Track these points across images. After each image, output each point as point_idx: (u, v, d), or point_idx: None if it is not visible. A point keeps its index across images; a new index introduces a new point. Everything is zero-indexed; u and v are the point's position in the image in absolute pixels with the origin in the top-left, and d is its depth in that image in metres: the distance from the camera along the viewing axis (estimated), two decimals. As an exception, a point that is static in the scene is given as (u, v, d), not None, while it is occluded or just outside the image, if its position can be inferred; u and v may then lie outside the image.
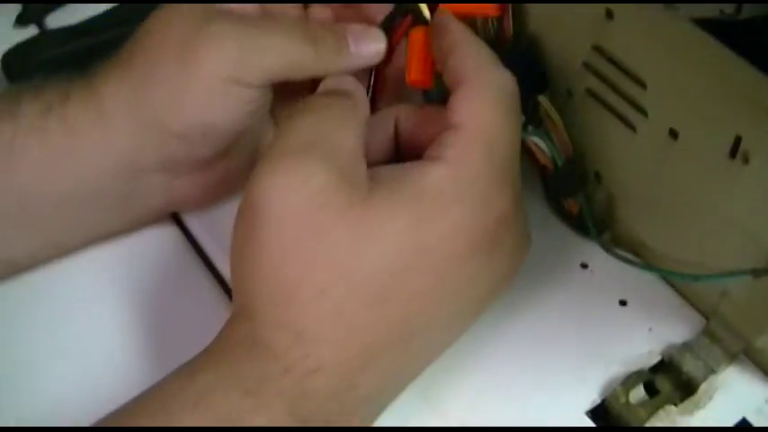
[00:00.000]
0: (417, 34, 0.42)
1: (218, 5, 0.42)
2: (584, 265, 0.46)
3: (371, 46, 0.42)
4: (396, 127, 0.40)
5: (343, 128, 0.36)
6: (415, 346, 0.35)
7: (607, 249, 0.44)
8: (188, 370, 0.33)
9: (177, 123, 0.41)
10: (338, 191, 0.33)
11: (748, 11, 0.29)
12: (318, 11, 0.45)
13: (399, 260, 0.33)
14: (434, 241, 0.34)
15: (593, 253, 0.46)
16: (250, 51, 0.40)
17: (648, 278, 0.45)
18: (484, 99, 0.36)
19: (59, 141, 0.41)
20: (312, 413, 0.33)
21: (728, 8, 0.29)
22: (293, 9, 0.45)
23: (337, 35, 0.41)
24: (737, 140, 0.35)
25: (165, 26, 0.42)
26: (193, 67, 0.40)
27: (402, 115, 0.40)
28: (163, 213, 0.47)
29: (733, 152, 0.35)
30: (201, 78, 0.40)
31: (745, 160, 0.35)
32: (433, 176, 0.34)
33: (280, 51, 0.40)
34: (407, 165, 0.36)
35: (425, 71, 0.42)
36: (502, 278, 0.37)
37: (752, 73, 0.32)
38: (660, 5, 0.32)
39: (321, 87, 0.41)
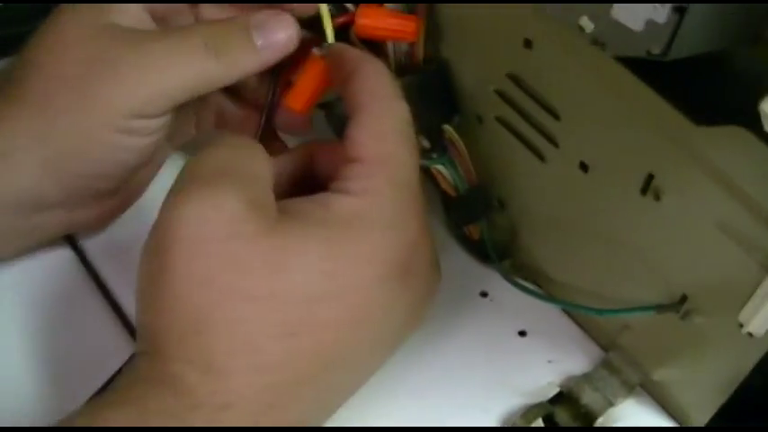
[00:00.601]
0: (315, 61, 0.41)
1: (110, 13, 0.40)
2: (484, 294, 0.46)
3: (280, 34, 0.40)
4: (313, 163, 0.39)
5: (254, 159, 0.34)
6: (330, 380, 0.33)
7: (507, 278, 0.44)
8: (91, 409, 0.31)
9: (80, 164, 0.39)
10: (248, 220, 0.32)
11: (676, 53, 0.29)
12: (210, 13, 0.43)
13: (309, 291, 0.32)
14: (344, 271, 0.33)
15: (494, 281, 0.46)
16: (150, 82, 0.38)
17: (548, 308, 0.45)
18: (380, 129, 0.35)
19: None
20: None
21: (656, 49, 0.29)
22: (184, 12, 0.43)
23: (239, 33, 0.39)
24: (650, 177, 0.35)
25: (60, 58, 0.39)
26: (93, 105, 0.38)
27: (318, 151, 0.39)
28: (58, 238, 0.45)
29: (644, 189, 0.35)
30: (102, 117, 0.38)
31: (657, 197, 0.35)
32: (342, 206, 0.33)
33: (180, 73, 0.38)
34: (315, 196, 0.35)
35: (304, 100, 0.41)
36: (417, 307, 0.36)
37: (669, 111, 0.32)
38: (581, 39, 0.32)
39: None
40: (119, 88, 0.38)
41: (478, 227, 0.46)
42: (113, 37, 0.39)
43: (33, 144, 0.38)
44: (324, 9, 0.40)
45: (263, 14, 0.40)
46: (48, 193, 0.40)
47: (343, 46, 0.39)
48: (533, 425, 0.40)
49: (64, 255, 0.46)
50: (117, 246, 0.45)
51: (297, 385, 0.32)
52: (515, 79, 0.39)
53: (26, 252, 0.44)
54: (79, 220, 0.43)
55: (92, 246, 0.46)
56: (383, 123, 0.35)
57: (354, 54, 0.38)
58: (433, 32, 0.42)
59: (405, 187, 0.35)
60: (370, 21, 0.40)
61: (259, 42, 0.39)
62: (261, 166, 0.34)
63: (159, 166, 0.45)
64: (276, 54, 0.40)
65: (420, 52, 0.42)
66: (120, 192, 0.43)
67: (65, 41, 0.39)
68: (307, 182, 0.39)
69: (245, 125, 0.44)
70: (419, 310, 0.36)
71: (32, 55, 0.40)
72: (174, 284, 0.31)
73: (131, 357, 0.34)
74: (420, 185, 0.36)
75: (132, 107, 0.38)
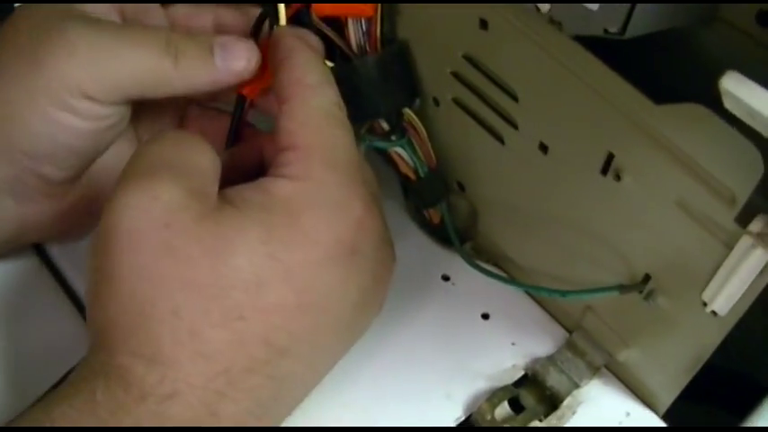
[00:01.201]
0: (265, 46, 0.40)
1: (75, 6, 0.39)
2: (446, 278, 0.46)
3: (240, 61, 0.39)
4: (262, 155, 0.39)
5: (195, 152, 0.34)
6: (285, 367, 0.33)
7: (469, 261, 0.44)
8: (44, 404, 0.31)
9: (24, 138, 0.38)
10: (186, 207, 0.31)
11: (632, 31, 0.29)
12: (183, 12, 0.42)
13: (252, 275, 0.32)
14: (287, 254, 0.32)
15: (456, 265, 0.45)
16: (102, 62, 0.37)
17: (511, 291, 0.45)
18: (308, 115, 0.35)
19: None
20: None
21: (612, 27, 0.29)
22: (155, 11, 0.42)
23: (201, 45, 0.38)
24: (610, 157, 0.35)
25: (17, 30, 0.38)
26: (40, 74, 0.37)
27: (264, 142, 0.38)
28: (16, 243, 0.43)
29: (605, 169, 0.35)
30: (47, 86, 0.37)
31: (617, 177, 0.35)
32: (280, 190, 0.33)
33: (135, 64, 0.37)
34: (253, 182, 0.34)
35: (252, 84, 0.40)
36: (371, 289, 0.35)
37: (628, 90, 0.32)
38: (538, 18, 0.31)
39: None
40: (69, 61, 0.37)
41: (439, 210, 0.45)
42: (74, 18, 0.38)
43: None
44: None
45: (228, 37, 0.39)
46: None
47: (281, 33, 0.38)
48: (498, 408, 0.40)
49: (30, 260, 0.45)
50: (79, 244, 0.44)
51: (248, 372, 0.32)
52: (472, 60, 0.39)
53: None
54: (32, 220, 0.41)
55: (58, 252, 0.45)
56: (310, 108, 0.35)
57: (287, 43, 0.37)
58: (390, 12, 0.41)
59: (342, 167, 0.35)
60: None
61: (218, 62, 0.39)
62: (203, 159, 0.34)
63: None
64: (230, 77, 0.39)
65: (377, 32, 0.41)
66: (72, 192, 0.41)
67: (29, 19, 0.39)
68: (258, 174, 0.38)
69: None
70: (374, 292, 0.36)
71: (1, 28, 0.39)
72: (115, 277, 0.31)
73: (87, 353, 0.33)
74: (360, 165, 0.36)
75: (80, 84, 0.37)
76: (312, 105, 0.35)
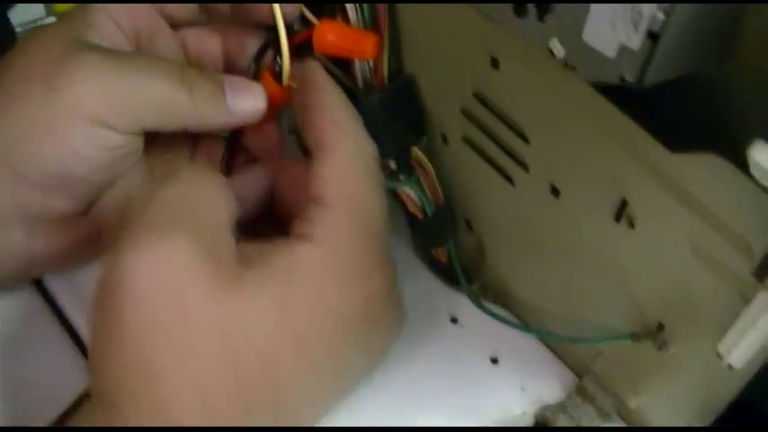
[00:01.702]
0: (267, 79, 0.39)
1: (88, 32, 0.38)
2: (454, 320, 0.45)
3: (249, 103, 0.38)
4: (276, 182, 0.38)
5: (211, 201, 0.33)
6: (289, 423, 0.32)
7: (477, 303, 0.43)
8: None
9: (33, 166, 0.37)
10: (204, 270, 0.30)
11: (650, 80, 0.28)
12: (193, 35, 0.41)
13: (267, 346, 0.31)
14: (305, 327, 0.32)
15: (463, 305, 0.44)
16: (119, 88, 0.36)
17: (519, 333, 0.44)
18: (348, 169, 0.34)
19: None
20: None
21: (629, 75, 0.28)
22: (166, 34, 0.41)
23: (215, 83, 0.38)
24: (623, 204, 0.34)
25: (30, 55, 0.37)
26: (55, 100, 0.36)
27: (279, 171, 0.37)
28: (22, 277, 0.42)
29: (618, 216, 0.34)
30: (63, 113, 0.36)
31: (631, 225, 0.34)
32: (303, 257, 0.32)
33: (152, 93, 0.37)
34: (276, 243, 0.33)
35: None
36: (378, 353, 0.35)
37: (644, 137, 0.31)
38: (552, 61, 0.30)
39: None
40: (86, 87, 0.36)
41: (446, 249, 0.44)
42: (89, 45, 0.38)
43: None
44: (279, 23, 0.38)
45: (238, 78, 0.39)
46: (1, 196, 0.38)
47: (316, 66, 0.37)
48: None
49: (29, 293, 0.44)
50: (79, 280, 0.43)
51: None
52: (482, 99, 0.38)
53: None
54: (39, 249, 0.40)
55: (56, 285, 0.44)
56: (349, 162, 0.34)
57: (320, 81, 0.36)
58: (396, 46, 0.40)
59: (370, 234, 0.34)
60: (329, 36, 0.39)
61: (228, 101, 0.38)
62: (218, 207, 0.33)
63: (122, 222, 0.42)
64: (241, 120, 0.39)
65: (384, 68, 0.40)
66: (81, 224, 0.40)
67: (41, 45, 0.38)
68: (264, 201, 0.38)
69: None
70: (379, 355, 0.36)
71: (9, 55, 0.38)
72: (121, 337, 0.30)
73: (88, 407, 0.32)
74: (386, 228, 0.35)
75: (96, 111, 0.36)
76: (352, 155, 0.34)
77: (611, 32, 0.27)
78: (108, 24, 0.39)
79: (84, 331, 0.42)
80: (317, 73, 0.37)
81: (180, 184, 0.33)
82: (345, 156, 0.34)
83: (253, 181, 0.38)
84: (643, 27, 0.26)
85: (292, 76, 0.39)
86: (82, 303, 0.43)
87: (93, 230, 0.41)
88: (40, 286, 0.44)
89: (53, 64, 0.37)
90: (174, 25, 0.42)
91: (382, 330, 0.34)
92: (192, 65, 0.42)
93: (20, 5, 0.57)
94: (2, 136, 0.37)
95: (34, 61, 0.37)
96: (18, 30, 0.55)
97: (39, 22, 0.55)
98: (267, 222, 0.39)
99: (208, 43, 0.42)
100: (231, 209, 0.33)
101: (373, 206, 0.34)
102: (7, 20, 0.55)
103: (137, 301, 0.29)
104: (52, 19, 0.56)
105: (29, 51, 0.38)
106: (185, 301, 0.30)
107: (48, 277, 0.44)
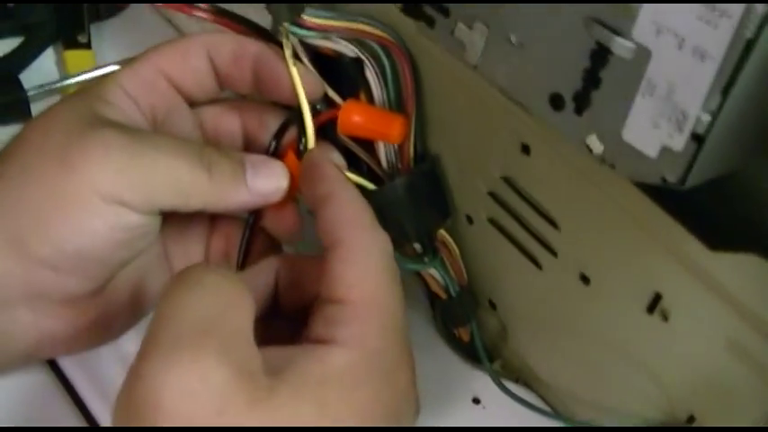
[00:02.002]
0: (291, 161, 0.39)
1: (106, 111, 0.38)
2: (477, 401, 0.44)
3: (271, 182, 0.38)
4: (294, 274, 0.37)
5: (237, 310, 0.32)
6: None
7: (501, 386, 0.42)
8: None
9: (45, 246, 0.36)
10: (238, 391, 0.29)
11: (693, 180, 0.27)
12: (211, 113, 0.41)
13: None
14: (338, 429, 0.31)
15: (485, 385, 0.44)
16: (137, 167, 0.35)
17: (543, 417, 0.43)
18: (367, 267, 0.33)
19: None
20: None
21: (671, 177, 0.27)
22: (184, 112, 0.41)
23: (234, 163, 0.37)
24: (657, 297, 0.33)
25: (45, 131, 0.37)
26: (71, 176, 0.35)
27: (282, 266, 0.37)
28: (30, 359, 0.41)
29: (651, 308, 0.34)
30: (78, 191, 0.35)
31: (665, 318, 0.33)
32: (333, 363, 0.31)
33: (171, 173, 0.36)
34: (303, 350, 0.32)
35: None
36: None
37: (681, 232, 0.30)
38: (586, 154, 0.30)
39: None
40: (104, 165, 0.35)
41: (468, 328, 0.44)
42: (107, 123, 0.37)
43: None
44: (303, 102, 0.38)
45: (259, 157, 0.38)
46: (8, 285, 0.36)
47: (317, 158, 0.37)
48: None
49: (41, 373, 0.43)
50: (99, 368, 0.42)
51: None
52: (510, 182, 0.38)
53: None
54: (49, 333, 0.39)
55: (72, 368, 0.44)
56: (369, 260, 0.33)
57: (329, 173, 0.36)
58: (422, 128, 0.40)
59: (394, 331, 0.33)
60: (355, 118, 0.38)
61: (249, 181, 0.37)
62: (242, 314, 0.32)
63: (144, 307, 0.41)
64: (261, 200, 0.38)
65: (410, 150, 0.40)
66: (94, 305, 0.39)
67: (57, 120, 0.37)
68: (269, 296, 0.38)
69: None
70: None
71: (24, 131, 0.38)
72: None
73: None
74: (406, 323, 0.34)
75: (113, 189, 0.35)
76: (371, 255, 0.34)
77: (653, 132, 0.27)
78: (125, 101, 0.39)
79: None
80: (323, 163, 0.37)
81: (204, 291, 0.32)
82: (363, 254, 0.34)
83: (264, 276, 0.38)
84: (688, 128, 0.26)
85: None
86: (96, 385, 0.42)
87: (105, 311, 0.39)
88: (53, 366, 0.44)
89: (69, 140, 0.36)
90: (192, 103, 0.42)
91: (405, 423, 0.34)
92: (209, 143, 0.42)
93: (32, 69, 0.57)
94: (16, 213, 0.36)
95: (50, 137, 0.36)
96: (30, 93, 0.54)
97: (52, 87, 0.55)
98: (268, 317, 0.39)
99: (225, 120, 0.42)
100: (253, 314, 0.33)
101: (394, 303, 0.34)
102: (20, 84, 0.55)
103: (172, 423, 0.28)
104: (66, 82, 0.56)
105: (44, 126, 0.37)
106: (227, 421, 0.29)
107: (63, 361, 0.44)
